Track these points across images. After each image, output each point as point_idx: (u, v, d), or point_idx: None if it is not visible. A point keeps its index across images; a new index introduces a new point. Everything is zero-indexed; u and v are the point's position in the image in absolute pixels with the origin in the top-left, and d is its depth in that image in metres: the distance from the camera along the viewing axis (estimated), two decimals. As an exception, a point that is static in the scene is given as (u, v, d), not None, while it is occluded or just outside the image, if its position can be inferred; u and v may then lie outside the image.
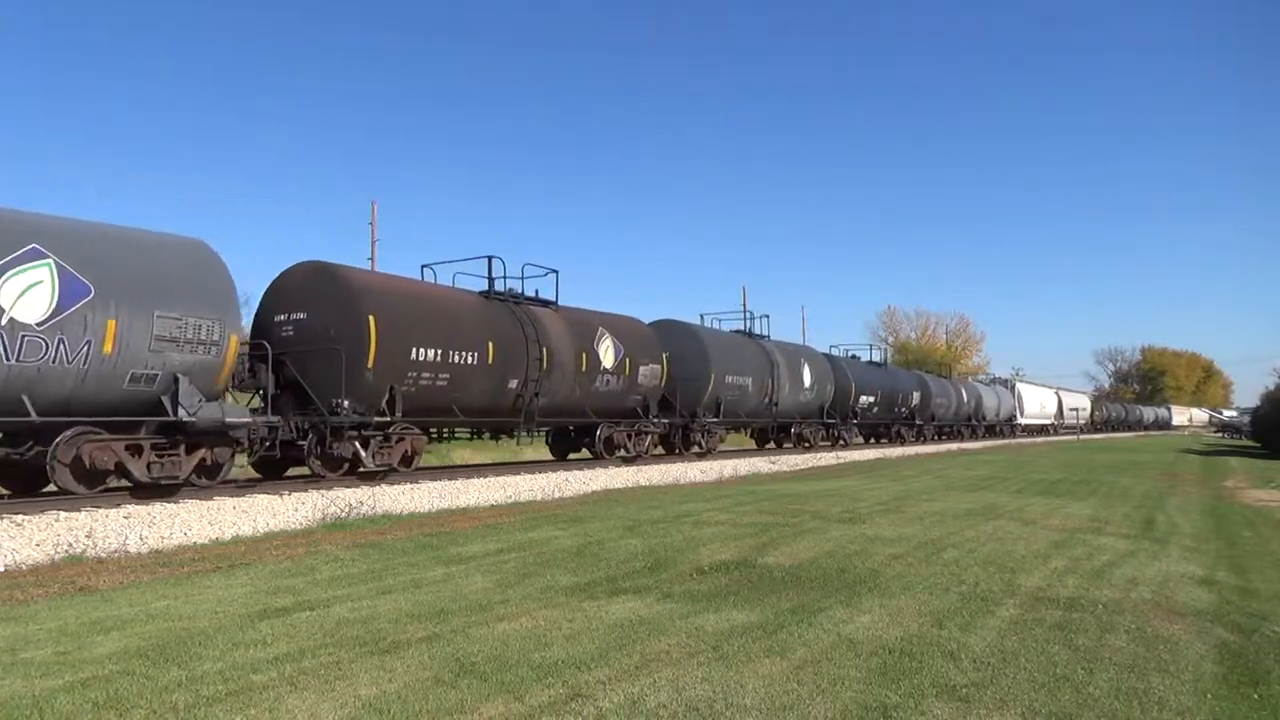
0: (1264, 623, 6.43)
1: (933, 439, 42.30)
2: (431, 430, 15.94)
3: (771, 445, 29.25)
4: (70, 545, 8.91)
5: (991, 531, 10.77)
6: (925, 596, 6.97)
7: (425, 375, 14.12)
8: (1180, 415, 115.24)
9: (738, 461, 22.89)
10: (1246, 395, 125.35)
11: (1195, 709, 4.49)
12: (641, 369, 19.43)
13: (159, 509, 10.33)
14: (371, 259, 34.32)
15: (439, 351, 14.29)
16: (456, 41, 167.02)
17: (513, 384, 15.88)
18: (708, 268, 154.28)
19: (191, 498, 11.25)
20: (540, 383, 16.34)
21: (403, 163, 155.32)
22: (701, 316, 25.63)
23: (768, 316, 26.46)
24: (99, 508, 10.09)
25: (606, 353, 18.36)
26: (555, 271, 18.36)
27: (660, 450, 22.65)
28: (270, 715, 4.22)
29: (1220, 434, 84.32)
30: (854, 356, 34.64)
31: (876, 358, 38.02)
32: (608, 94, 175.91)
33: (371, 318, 13.22)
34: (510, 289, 17.19)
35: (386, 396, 13.56)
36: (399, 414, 13.76)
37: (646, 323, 21.91)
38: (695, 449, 23.15)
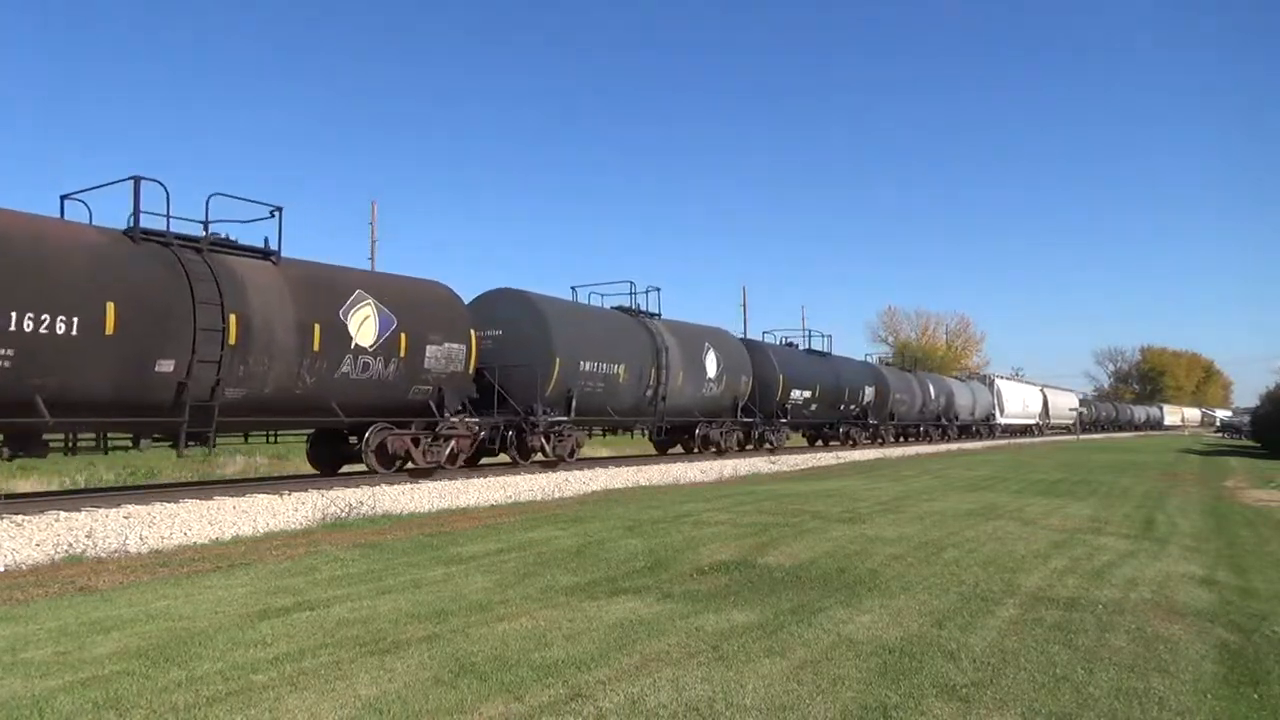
0: (1264, 623, 6.43)
1: (894, 441, 37.55)
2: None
3: (679, 450, 24.32)
4: (70, 545, 8.91)
5: (991, 531, 10.77)
6: (925, 596, 6.97)
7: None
8: (1172, 415, 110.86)
9: (738, 462, 22.90)
10: (1246, 395, 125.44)
11: (1195, 709, 4.49)
12: (432, 350, 14.42)
13: (159, 509, 10.33)
14: (371, 259, 34.35)
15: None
16: (457, 41, 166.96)
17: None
18: (708, 267, 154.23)
19: (191, 497, 11.25)
20: (224, 365, 11.37)
21: (402, 162, 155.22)
22: (574, 289, 21.53)
23: (658, 290, 21.65)
24: (99, 508, 10.09)
25: (363, 325, 13.32)
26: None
27: (495, 459, 18.05)
28: (270, 715, 4.22)
29: (1220, 434, 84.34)
30: (790, 344, 30.26)
31: (820, 345, 32.29)
32: (608, 93, 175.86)
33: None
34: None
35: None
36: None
37: (468, 293, 18.03)
38: (538, 456, 17.64)
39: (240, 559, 8.68)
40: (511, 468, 17.18)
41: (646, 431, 22.45)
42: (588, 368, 18.09)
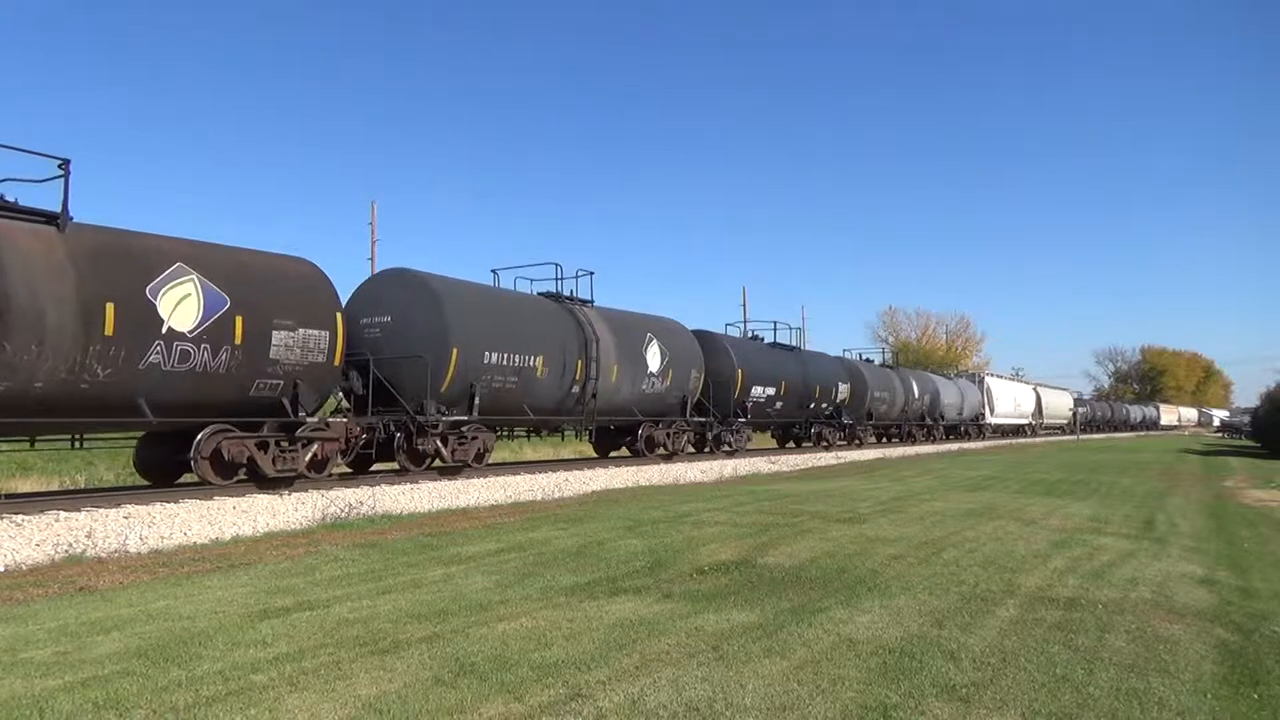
0: (1264, 623, 6.43)
1: (876, 442, 35.98)
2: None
3: (625, 454, 21.61)
4: (70, 545, 8.91)
5: (991, 531, 10.77)
6: (925, 596, 6.97)
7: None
8: (1168, 415, 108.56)
9: (737, 462, 22.88)
10: (1246, 395, 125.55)
11: (1195, 709, 4.49)
12: (281, 337, 12.07)
13: (159, 509, 10.33)
14: (372, 259, 34.38)
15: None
16: (454, 41, 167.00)
17: None
18: (708, 267, 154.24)
19: (191, 498, 11.25)
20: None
21: (401, 161, 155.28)
22: (495, 274, 18.90)
23: (591, 274, 19.09)
24: (99, 508, 10.09)
25: (181, 305, 10.85)
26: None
27: (362, 468, 15.32)
28: (270, 715, 4.22)
29: (1220, 434, 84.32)
30: (755, 337, 27.93)
31: (789, 340, 29.04)
32: (609, 92, 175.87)
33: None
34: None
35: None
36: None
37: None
38: (435, 462, 15.40)
39: (240, 559, 8.69)
40: (511, 468, 17.16)
41: (578, 433, 20.10)
42: (495, 359, 15.41)
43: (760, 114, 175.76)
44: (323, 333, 12.75)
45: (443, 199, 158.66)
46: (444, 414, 14.79)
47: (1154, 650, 5.55)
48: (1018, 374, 66.53)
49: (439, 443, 14.99)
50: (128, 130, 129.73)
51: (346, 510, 11.71)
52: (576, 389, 17.50)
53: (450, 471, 15.54)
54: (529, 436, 20.05)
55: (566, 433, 20.20)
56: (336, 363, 13.04)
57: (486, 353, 15.30)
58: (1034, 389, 62.69)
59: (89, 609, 6.49)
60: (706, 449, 23.62)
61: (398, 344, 14.67)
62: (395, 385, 14.43)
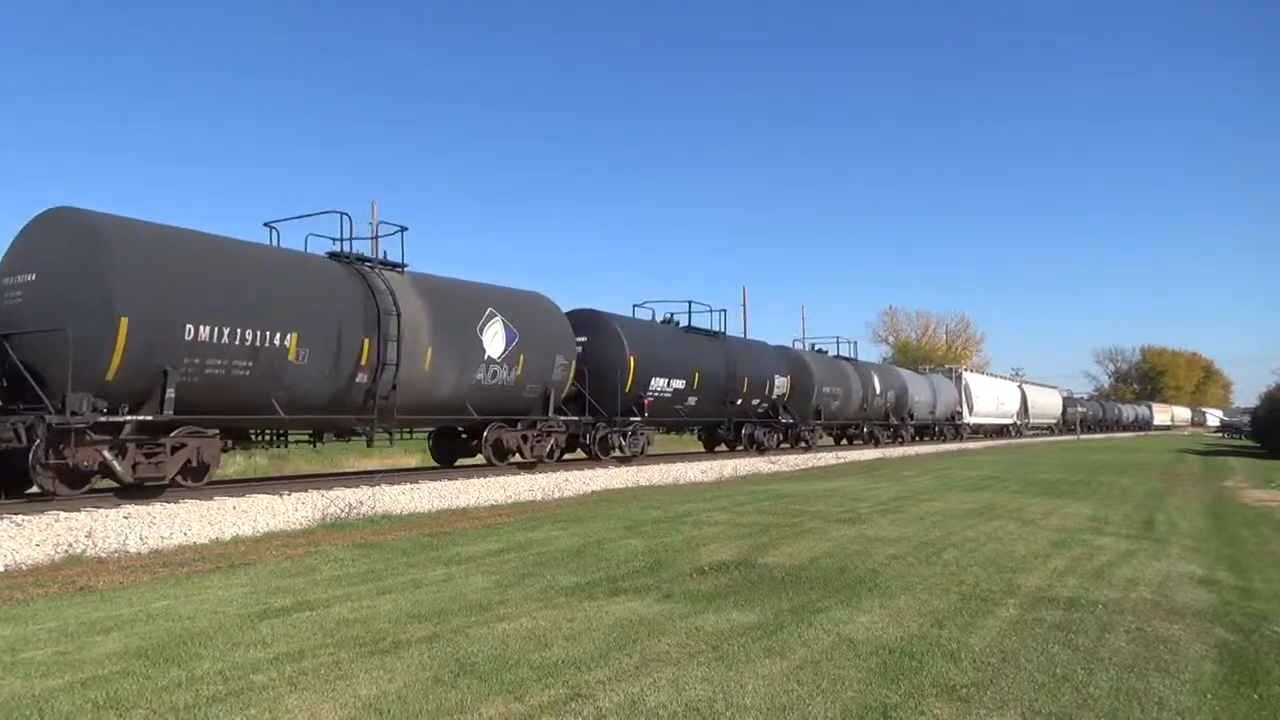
0: (1264, 623, 6.43)
1: (835, 444, 32.65)
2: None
3: (478, 461, 17.00)
4: (70, 545, 8.91)
5: (991, 531, 10.78)
6: (925, 596, 6.97)
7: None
8: (1162, 414, 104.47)
9: (738, 461, 22.86)
10: (1246, 395, 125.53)
11: (1195, 709, 4.49)
12: None
13: (159, 509, 10.33)
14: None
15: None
16: (456, 40, 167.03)
17: None
18: (707, 267, 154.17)
19: (191, 498, 11.25)
20: None
21: (401, 161, 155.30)
22: (271, 229, 14.07)
23: (403, 229, 14.94)
24: (99, 508, 10.09)
25: None
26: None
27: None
28: (270, 715, 4.22)
29: (1220, 433, 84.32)
30: (671, 319, 23.11)
31: (709, 324, 23.98)
32: (609, 92, 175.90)
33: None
34: None
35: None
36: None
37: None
38: (101, 480, 11.04)
39: (240, 559, 8.69)
40: (510, 468, 16.90)
41: (369, 436, 14.19)
42: (209, 336, 10.98)
43: (760, 114, 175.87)
44: None
45: (443, 199, 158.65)
46: (101, 412, 10.18)
47: (1154, 650, 5.55)
48: (1017, 373, 65.58)
49: (106, 454, 10.44)
50: (127, 130, 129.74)
51: (346, 510, 11.71)
52: (363, 378, 13.04)
53: (133, 491, 10.96)
54: (314, 443, 14.51)
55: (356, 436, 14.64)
56: None
57: (190, 326, 10.76)
58: (1019, 386, 59.18)
59: (89, 609, 6.48)
60: (598, 454, 19.28)
61: (42, 313, 10.39)
62: (38, 372, 10.13)
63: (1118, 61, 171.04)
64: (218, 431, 11.70)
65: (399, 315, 13.49)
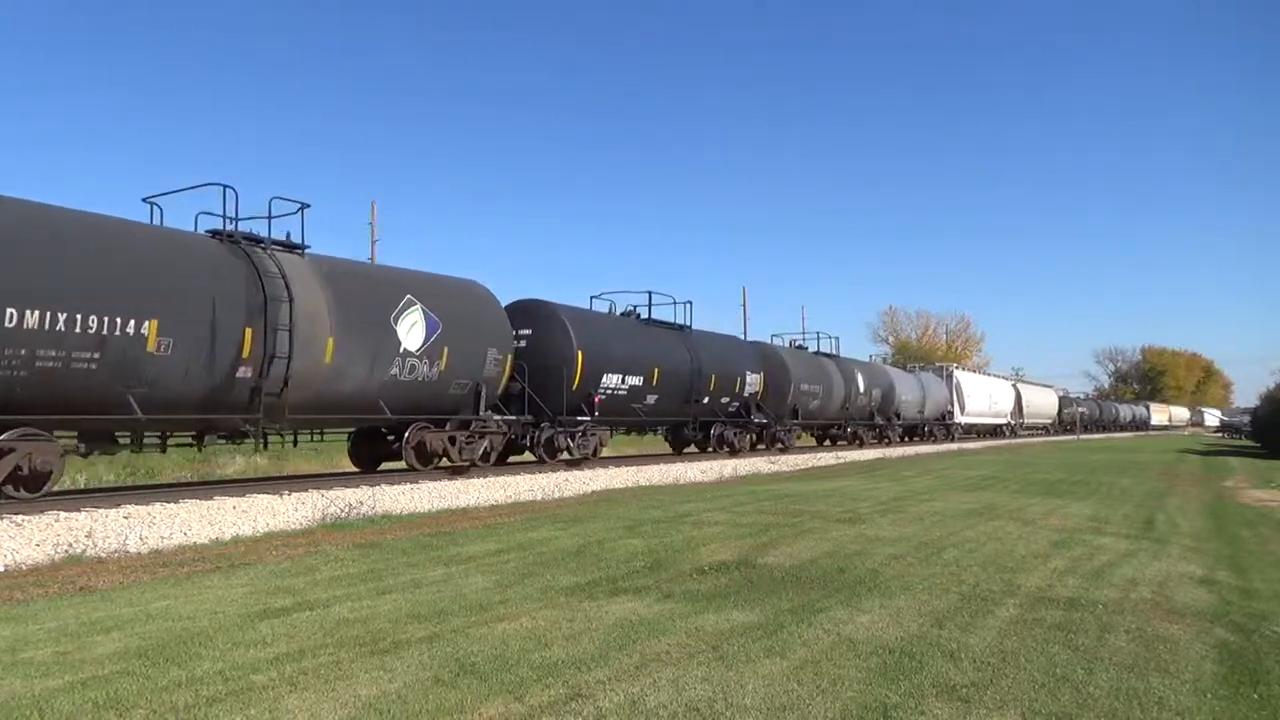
0: (1264, 623, 6.43)
1: (807, 445, 30.90)
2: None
3: (400, 466, 15.25)
4: (70, 545, 8.91)
5: (991, 531, 10.78)
6: (925, 596, 6.97)
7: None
8: (1159, 414, 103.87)
9: (738, 461, 22.86)
10: (1246, 395, 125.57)
11: (1195, 709, 4.49)
12: None
13: (159, 509, 10.33)
14: (371, 259, 34.41)
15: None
16: (456, 40, 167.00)
17: None
18: (708, 267, 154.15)
19: (191, 497, 11.25)
20: None
21: (401, 160, 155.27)
22: (151, 204, 12.40)
23: (305, 206, 13.16)
24: (99, 508, 10.09)
25: None
26: None
27: None
28: (270, 715, 4.22)
29: (1220, 433, 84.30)
30: (633, 312, 21.51)
31: (673, 317, 22.40)
32: (609, 92, 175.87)
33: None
34: None
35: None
36: None
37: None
38: None
39: (240, 559, 8.69)
40: (511, 468, 16.98)
41: (257, 439, 12.97)
42: (37, 322, 9.47)
43: (760, 114, 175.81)
44: None
45: (443, 199, 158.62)
46: None
47: (1154, 650, 5.55)
48: (1018, 373, 65.29)
49: None
50: (127, 130, 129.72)
51: (346, 510, 11.71)
52: (247, 373, 11.61)
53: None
54: (165, 447, 12.63)
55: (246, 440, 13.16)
56: None
57: (11, 310, 9.35)
58: (1013, 385, 57.91)
59: (89, 609, 6.48)
60: (542, 458, 17.84)
61: None
62: None
63: (1118, 61, 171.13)
64: (55, 435, 10.27)
65: (292, 302, 11.99)
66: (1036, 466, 25.48)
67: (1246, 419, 65.95)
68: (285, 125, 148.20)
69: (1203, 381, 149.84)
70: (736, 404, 24.45)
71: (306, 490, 12.45)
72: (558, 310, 18.31)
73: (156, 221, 12.20)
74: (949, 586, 7.37)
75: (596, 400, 18.46)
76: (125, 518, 9.81)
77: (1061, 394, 73.57)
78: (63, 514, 9.63)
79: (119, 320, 10.24)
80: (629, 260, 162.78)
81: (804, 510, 12.60)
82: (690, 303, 22.56)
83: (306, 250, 13.21)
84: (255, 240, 12.58)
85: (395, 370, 13.76)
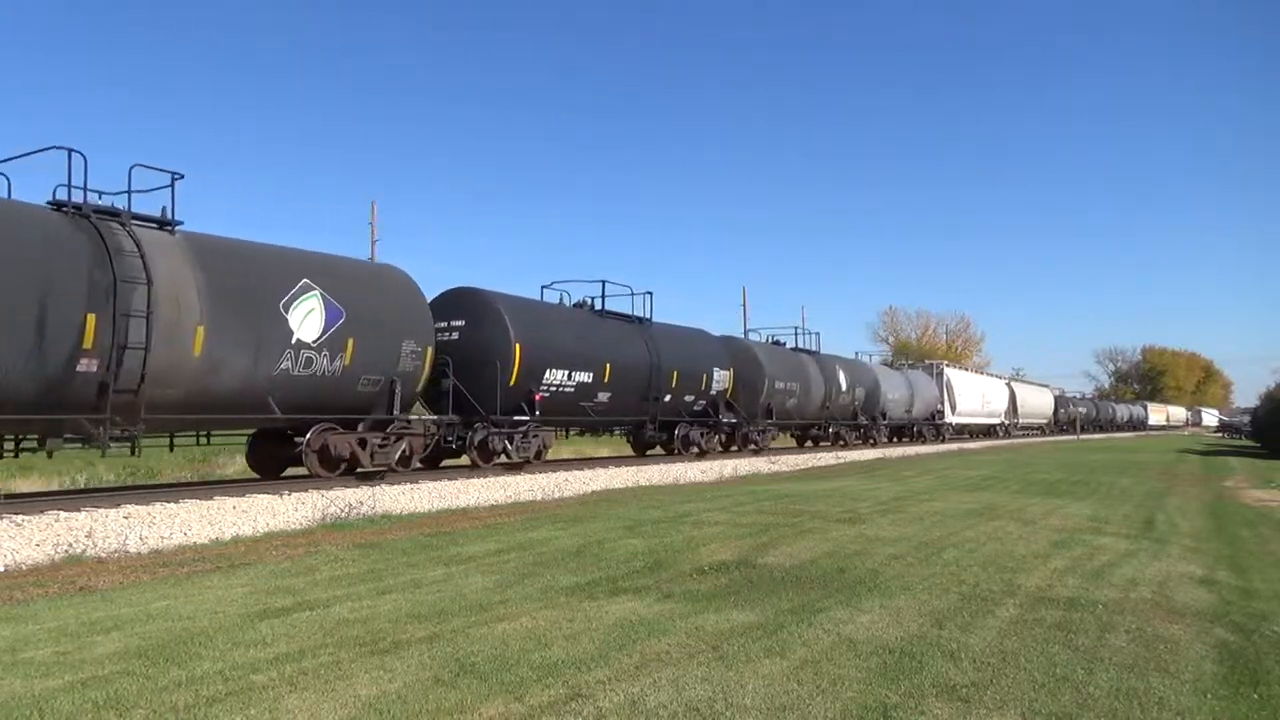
0: (1264, 623, 6.43)
1: (786, 446, 29.51)
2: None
3: (303, 471, 13.60)
4: (70, 545, 8.91)
5: (991, 531, 10.78)
6: (925, 596, 6.97)
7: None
8: (1157, 414, 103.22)
9: (738, 461, 22.85)
10: (1246, 395, 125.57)
11: (1195, 709, 4.49)
12: None
13: (159, 509, 10.34)
14: (371, 259, 34.39)
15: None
16: (456, 40, 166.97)
17: None
18: (708, 268, 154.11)
19: (191, 497, 11.25)
20: None
21: (401, 160, 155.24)
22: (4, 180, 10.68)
23: (177, 177, 11.53)
24: (99, 508, 10.09)
25: None
26: None
27: None
28: (270, 715, 4.22)
29: (1220, 433, 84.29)
30: (586, 303, 19.98)
31: (630, 309, 20.74)
32: (609, 92, 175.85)
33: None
34: None
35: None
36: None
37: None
38: None
39: (240, 559, 8.69)
40: (511, 468, 16.92)
41: (100, 441, 10.57)
42: None
43: (760, 114, 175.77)
44: None
45: (443, 199, 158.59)
46: None
47: (1154, 650, 5.55)
48: (1018, 374, 64.80)
49: None
50: (127, 130, 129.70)
51: (346, 510, 11.71)
52: (90, 366, 10.05)
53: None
54: (24, 450, 11.02)
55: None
56: None
57: None
58: (1007, 384, 56.42)
59: (89, 609, 6.48)
60: (476, 462, 16.29)
61: None
62: None
63: (1118, 61, 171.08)
64: None
65: (150, 284, 10.38)
66: (1036, 466, 25.48)
67: (1246, 419, 65.96)
68: (285, 125, 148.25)
69: (1203, 381, 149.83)
70: (703, 403, 22.82)
71: (306, 490, 12.45)
72: (493, 299, 16.58)
73: (3, 194, 10.44)
74: (949, 586, 7.37)
75: (538, 398, 16.81)
76: (125, 518, 9.82)
77: (1058, 394, 72.21)
78: (63, 514, 9.64)
79: None
80: (629, 260, 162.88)
81: (804, 510, 12.60)
82: (650, 293, 21.03)
83: (179, 227, 11.52)
84: (111, 214, 10.82)
85: (286, 364, 12.14)
